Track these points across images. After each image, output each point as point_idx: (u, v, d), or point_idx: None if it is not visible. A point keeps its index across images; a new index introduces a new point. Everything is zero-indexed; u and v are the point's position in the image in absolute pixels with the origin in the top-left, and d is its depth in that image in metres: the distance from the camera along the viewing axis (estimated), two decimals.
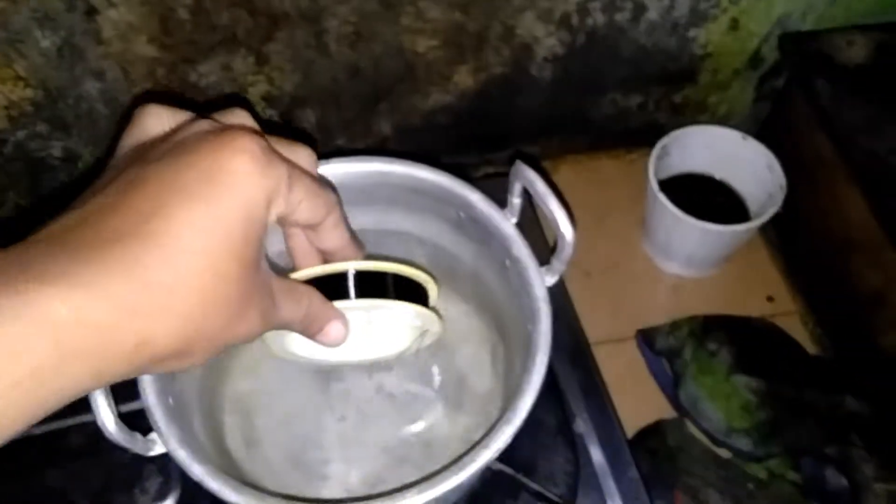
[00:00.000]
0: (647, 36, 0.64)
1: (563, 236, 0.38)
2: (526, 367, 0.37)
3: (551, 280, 0.40)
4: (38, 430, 0.51)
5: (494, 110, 0.69)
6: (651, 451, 0.60)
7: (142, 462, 0.50)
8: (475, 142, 0.72)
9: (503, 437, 0.35)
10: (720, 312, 0.66)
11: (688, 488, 0.59)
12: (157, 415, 0.36)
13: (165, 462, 0.50)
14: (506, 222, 0.42)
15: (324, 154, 0.61)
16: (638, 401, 0.63)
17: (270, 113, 0.64)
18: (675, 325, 0.65)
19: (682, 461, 0.60)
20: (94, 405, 0.33)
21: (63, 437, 0.51)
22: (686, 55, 0.67)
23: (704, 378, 0.62)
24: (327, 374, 0.50)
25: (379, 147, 0.69)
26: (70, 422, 0.52)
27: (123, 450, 0.49)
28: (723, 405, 0.61)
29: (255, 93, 0.62)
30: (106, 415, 0.33)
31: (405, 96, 0.65)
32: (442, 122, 0.69)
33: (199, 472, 0.34)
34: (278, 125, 0.65)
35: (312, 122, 0.66)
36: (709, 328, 0.65)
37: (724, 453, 0.60)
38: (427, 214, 0.47)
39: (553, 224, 0.38)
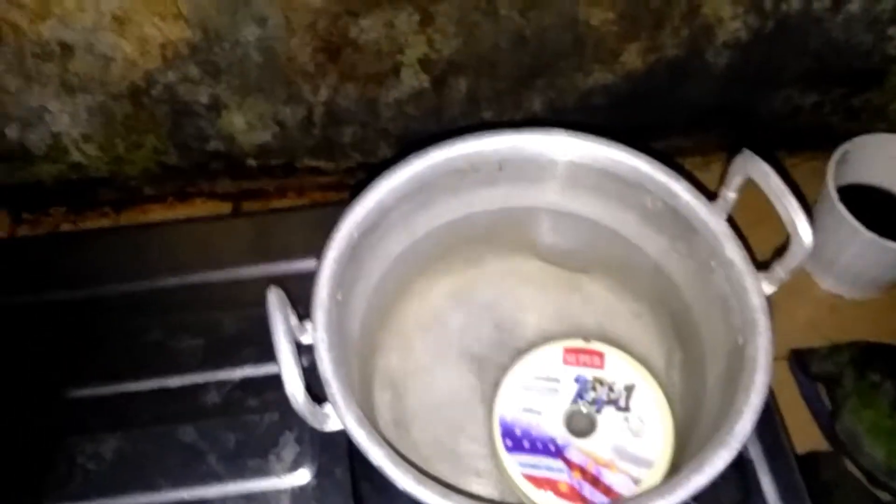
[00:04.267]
0: (843, 29, 0.58)
1: (799, 241, 0.34)
2: (742, 386, 0.33)
3: (770, 289, 0.36)
4: (173, 384, 0.49)
5: (655, 96, 0.64)
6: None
7: (278, 428, 0.48)
8: (627, 129, 0.67)
9: (720, 462, 0.31)
10: (883, 340, 0.60)
11: None
12: (335, 389, 0.33)
13: (302, 432, 0.48)
14: (717, 218, 0.38)
15: (486, 124, 0.57)
16: (787, 426, 0.58)
17: (423, 78, 0.60)
18: (834, 350, 0.60)
19: (836, 499, 0.55)
20: (284, 373, 0.30)
21: (198, 393, 0.49)
22: (878, 54, 0.61)
23: (866, 412, 0.56)
24: (482, 360, 0.46)
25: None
26: (205, 378, 0.50)
27: (261, 413, 0.48)
28: (885, 443, 0.55)
29: (411, 55, 0.59)
30: (296, 385, 0.30)
31: (566, 73, 0.61)
32: (597, 103, 0.64)
33: (377, 455, 0.31)
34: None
35: (463, 91, 0.62)
36: (871, 356, 0.59)
37: (884, 496, 0.55)
38: (613, 200, 0.43)
39: (789, 226, 0.34)
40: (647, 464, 0.40)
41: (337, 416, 0.33)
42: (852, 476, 0.56)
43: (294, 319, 0.35)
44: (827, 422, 0.57)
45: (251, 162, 0.66)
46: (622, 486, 0.40)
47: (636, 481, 0.40)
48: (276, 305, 0.32)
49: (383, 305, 0.45)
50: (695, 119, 0.67)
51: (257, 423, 0.48)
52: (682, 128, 0.68)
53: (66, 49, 0.55)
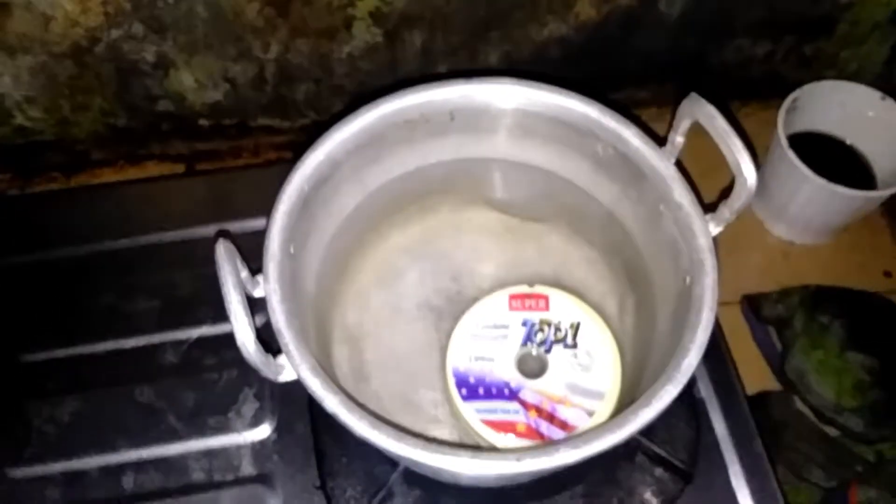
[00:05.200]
0: None
1: (742, 181, 0.34)
2: (689, 324, 0.33)
3: (717, 229, 0.36)
4: (129, 345, 0.49)
5: (610, 48, 0.64)
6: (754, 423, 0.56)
7: (237, 385, 0.48)
8: (582, 81, 0.67)
9: (667, 396, 0.32)
10: (833, 284, 0.62)
11: (791, 464, 0.56)
12: (289, 339, 0.33)
13: (262, 388, 0.48)
14: (665, 163, 0.38)
15: (439, 76, 0.56)
16: (740, 369, 0.59)
17: (375, 31, 0.60)
18: (784, 293, 0.61)
19: (786, 436, 0.57)
20: (234, 322, 0.30)
21: (155, 353, 0.49)
22: (829, 2, 0.62)
23: (815, 351, 0.58)
24: (440, 311, 0.47)
25: None
26: (162, 338, 0.49)
27: (219, 371, 0.47)
28: (833, 381, 0.57)
29: (363, 8, 0.58)
30: (245, 333, 0.30)
31: (520, 24, 0.61)
32: (552, 56, 0.64)
33: (332, 403, 0.32)
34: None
35: (417, 45, 0.61)
36: (821, 299, 0.61)
37: (831, 431, 0.57)
38: (565, 148, 0.43)
39: (733, 167, 0.34)
40: (598, 395, 0.42)
41: (291, 366, 0.33)
42: (802, 414, 0.57)
43: (246, 273, 0.35)
44: (777, 363, 0.59)
45: (203, 122, 0.65)
46: (577, 419, 0.41)
47: (590, 413, 0.41)
48: (225, 256, 0.32)
49: (339, 260, 0.45)
50: (649, 70, 0.68)
51: (216, 381, 0.48)
52: (636, 79, 0.69)
53: (3, 7, 0.53)
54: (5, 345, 0.50)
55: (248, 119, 0.66)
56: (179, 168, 0.67)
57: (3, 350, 0.50)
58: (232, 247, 0.33)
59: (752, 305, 0.61)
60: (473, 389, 0.42)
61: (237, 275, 0.32)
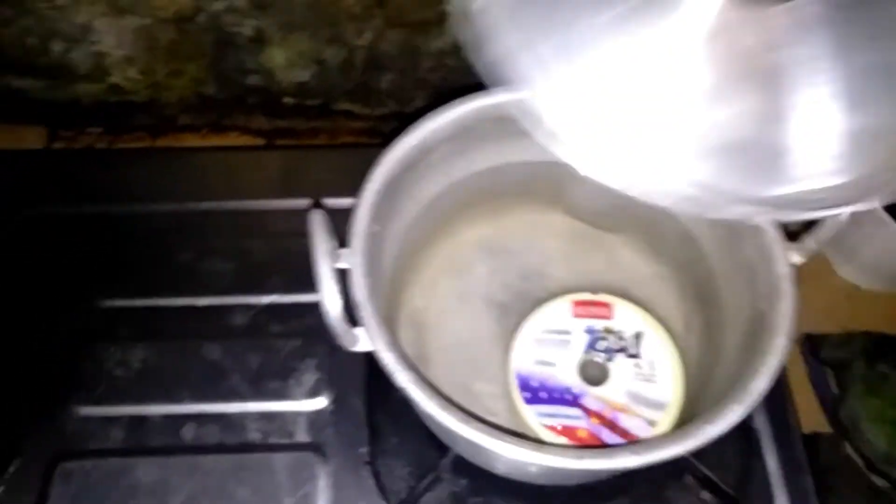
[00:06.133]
0: None
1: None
2: (760, 348, 0.33)
3: (798, 259, 0.36)
4: (201, 303, 0.51)
5: None
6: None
7: (300, 355, 0.49)
8: None
9: (733, 416, 0.32)
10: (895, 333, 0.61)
11: None
12: (368, 312, 0.34)
13: (322, 360, 0.49)
14: None
15: None
16: None
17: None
18: (847, 337, 0.60)
19: (832, 481, 0.56)
20: (322, 288, 0.31)
21: (225, 314, 0.51)
22: None
23: (871, 399, 0.57)
24: (504, 307, 0.47)
25: None
26: (233, 300, 0.51)
27: (284, 339, 0.49)
28: (887, 432, 0.56)
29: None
30: (332, 300, 0.31)
31: None
32: None
33: (403, 378, 0.33)
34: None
35: None
36: (883, 348, 0.60)
37: (879, 482, 0.56)
38: None
39: None
40: (660, 406, 0.42)
41: (367, 339, 0.34)
42: (851, 460, 0.57)
43: (332, 245, 0.36)
44: (832, 406, 0.58)
45: (288, 100, 0.67)
46: (639, 429, 0.41)
47: (651, 423, 0.41)
48: (319, 225, 0.33)
49: (414, 246, 0.46)
50: None
51: (281, 348, 0.49)
52: None
53: None
54: (85, 289, 0.52)
55: (331, 102, 0.67)
56: (259, 142, 0.69)
57: (82, 294, 0.52)
58: (325, 217, 0.35)
59: (813, 345, 0.61)
60: (536, 393, 0.43)
61: (327, 243, 0.33)
